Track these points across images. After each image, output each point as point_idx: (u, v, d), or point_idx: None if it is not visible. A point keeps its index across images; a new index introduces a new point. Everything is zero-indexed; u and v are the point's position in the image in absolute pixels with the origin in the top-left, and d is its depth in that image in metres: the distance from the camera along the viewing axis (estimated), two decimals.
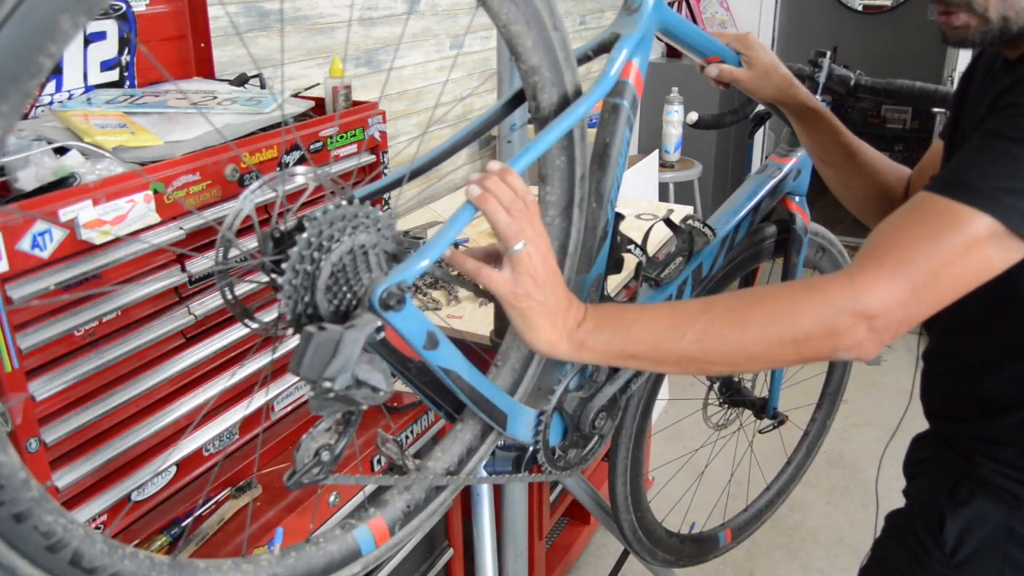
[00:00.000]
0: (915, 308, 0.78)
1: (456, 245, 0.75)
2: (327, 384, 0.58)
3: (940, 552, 1.05)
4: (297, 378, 1.29)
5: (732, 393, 1.57)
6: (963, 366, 1.05)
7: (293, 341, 1.13)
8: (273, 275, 0.65)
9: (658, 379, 1.39)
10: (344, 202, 0.63)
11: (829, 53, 1.38)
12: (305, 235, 0.61)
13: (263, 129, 1.20)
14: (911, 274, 0.77)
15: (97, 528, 1.05)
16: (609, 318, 0.80)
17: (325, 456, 0.67)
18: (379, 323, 0.63)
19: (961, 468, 1.06)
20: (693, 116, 1.40)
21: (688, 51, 1.15)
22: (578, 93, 0.87)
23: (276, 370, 1.28)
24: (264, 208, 1.21)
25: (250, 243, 1.04)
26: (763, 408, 1.58)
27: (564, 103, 0.86)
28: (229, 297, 0.71)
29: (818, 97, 1.37)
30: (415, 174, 0.83)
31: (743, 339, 0.77)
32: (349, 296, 0.64)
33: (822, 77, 1.37)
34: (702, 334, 0.78)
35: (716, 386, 1.57)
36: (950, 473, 1.08)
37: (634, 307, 0.83)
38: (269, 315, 1.16)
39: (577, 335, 0.79)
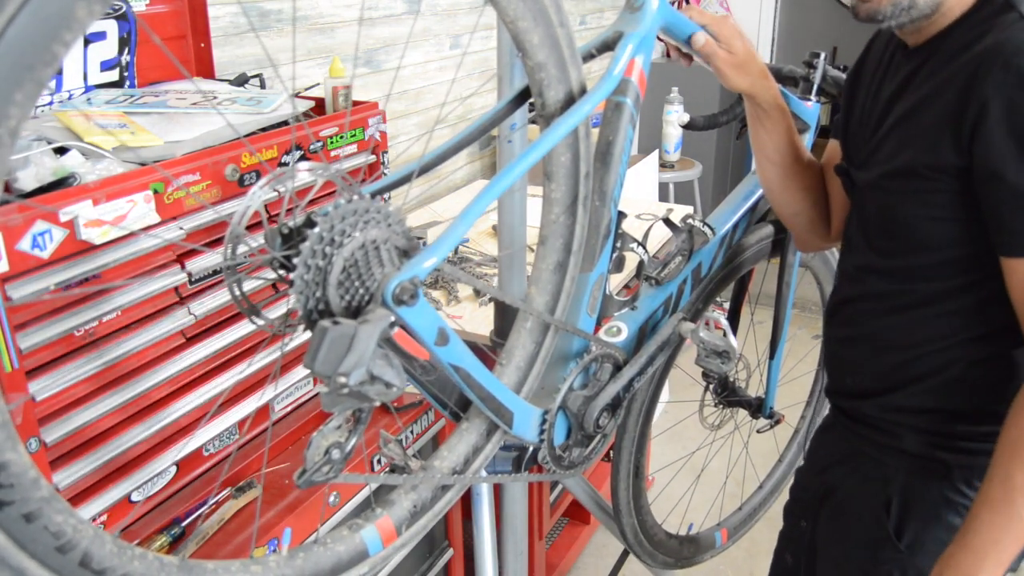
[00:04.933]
0: None
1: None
2: (341, 379, 0.58)
3: (888, 540, 1.07)
4: (305, 373, 1.30)
5: (728, 393, 1.57)
6: (886, 342, 1.08)
7: (300, 338, 1.12)
8: (282, 271, 0.65)
9: (660, 380, 1.39)
10: (355, 197, 0.63)
11: (823, 54, 1.38)
12: (317, 230, 0.61)
13: (263, 129, 1.20)
14: None
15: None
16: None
17: (335, 454, 0.66)
18: (392, 318, 0.63)
19: (884, 445, 1.09)
20: (684, 117, 1.40)
21: (689, 49, 1.15)
22: (583, 90, 0.87)
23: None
24: (265, 207, 1.20)
25: (255, 241, 1.03)
26: (759, 408, 1.59)
27: (569, 100, 0.86)
28: (237, 293, 0.71)
29: (812, 98, 1.38)
30: (422, 171, 0.82)
31: None
32: (361, 291, 0.64)
33: (816, 78, 1.37)
34: None
35: (712, 387, 1.57)
36: (874, 455, 1.11)
37: (972, 536, 0.91)
38: (274, 312, 1.16)
39: None
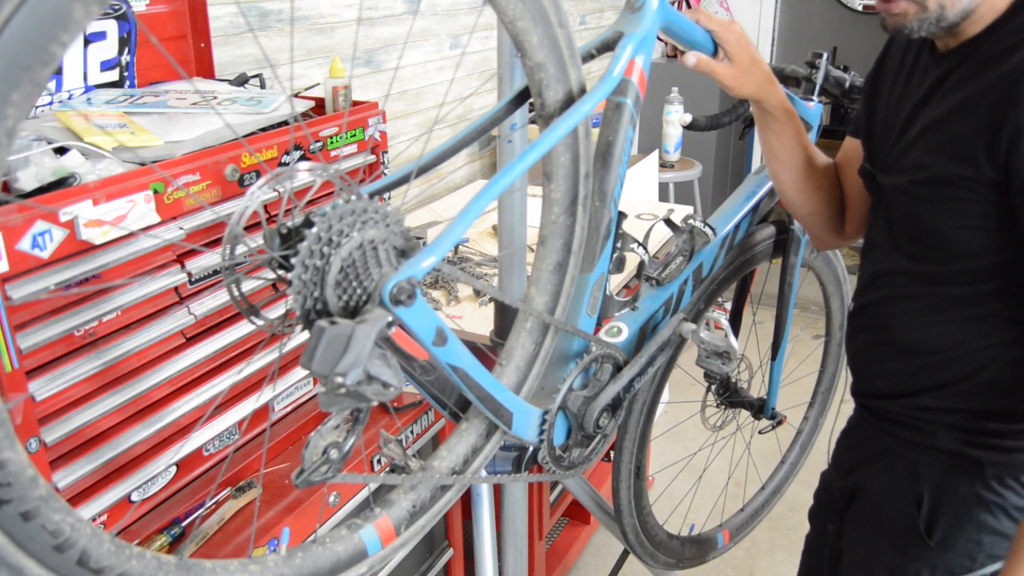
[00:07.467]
0: None
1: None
2: (338, 379, 0.58)
3: (919, 537, 1.06)
4: (305, 374, 1.30)
5: (730, 394, 1.57)
6: (916, 345, 1.07)
7: (299, 338, 1.12)
8: (280, 271, 0.65)
9: (661, 381, 1.38)
10: (353, 197, 0.63)
11: (826, 55, 1.38)
12: (315, 229, 0.61)
13: (263, 129, 1.20)
14: None
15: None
16: None
17: (333, 454, 0.66)
18: (390, 318, 0.63)
19: (915, 442, 1.08)
20: (687, 118, 1.40)
21: (689, 50, 1.15)
22: (583, 90, 0.87)
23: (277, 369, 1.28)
24: (265, 208, 1.20)
25: (253, 241, 1.03)
26: (761, 408, 1.58)
27: (569, 100, 0.86)
28: (236, 294, 0.71)
29: (814, 98, 1.37)
30: (421, 171, 0.82)
31: None
32: (359, 291, 0.64)
33: (819, 78, 1.37)
34: None
35: (714, 387, 1.57)
36: (905, 453, 1.10)
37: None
38: (274, 312, 1.16)
39: None
